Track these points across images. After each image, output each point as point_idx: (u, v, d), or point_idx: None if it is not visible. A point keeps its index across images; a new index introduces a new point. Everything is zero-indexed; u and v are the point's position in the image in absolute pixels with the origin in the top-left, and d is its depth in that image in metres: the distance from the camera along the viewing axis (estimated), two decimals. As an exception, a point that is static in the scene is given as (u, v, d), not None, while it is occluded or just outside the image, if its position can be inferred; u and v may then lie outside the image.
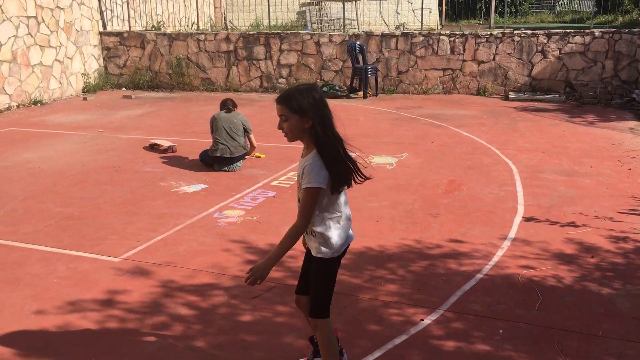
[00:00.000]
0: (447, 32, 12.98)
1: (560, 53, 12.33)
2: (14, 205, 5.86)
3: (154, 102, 12.44)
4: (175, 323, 3.64)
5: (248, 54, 13.61)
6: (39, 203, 5.92)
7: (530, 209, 5.63)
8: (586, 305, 3.83)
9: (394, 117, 10.37)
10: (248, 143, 7.26)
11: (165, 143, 8.14)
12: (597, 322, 3.62)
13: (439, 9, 23.55)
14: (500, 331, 3.52)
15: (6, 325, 3.62)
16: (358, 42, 12.73)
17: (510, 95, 12.18)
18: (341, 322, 3.62)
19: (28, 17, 11.96)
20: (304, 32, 13.74)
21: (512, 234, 5.02)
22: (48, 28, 12.50)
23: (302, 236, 2.88)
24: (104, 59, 14.28)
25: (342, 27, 17.00)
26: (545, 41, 12.35)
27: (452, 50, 12.73)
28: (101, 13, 14.29)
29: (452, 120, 10.03)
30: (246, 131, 7.19)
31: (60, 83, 12.93)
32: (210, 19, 20.24)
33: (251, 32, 13.76)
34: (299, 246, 4.78)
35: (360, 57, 12.66)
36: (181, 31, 14.86)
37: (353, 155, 2.90)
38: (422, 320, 3.65)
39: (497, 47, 12.55)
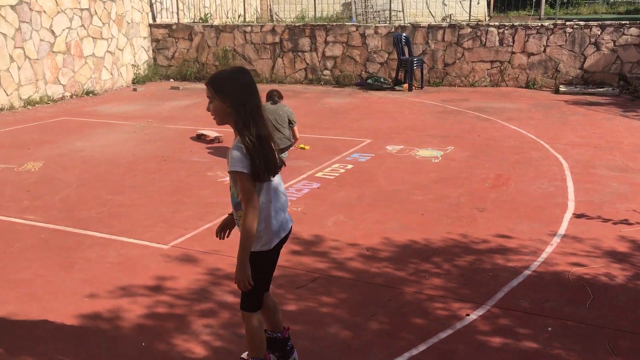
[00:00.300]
0: (496, 23, 12.73)
1: (614, 45, 11.93)
2: (68, 192, 6.06)
3: (200, 93, 12.62)
4: (221, 310, 3.70)
5: (293, 45, 13.65)
6: (92, 190, 6.10)
7: (581, 205, 5.48)
8: None
9: (440, 110, 10.24)
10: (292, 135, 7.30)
11: (211, 133, 8.26)
12: (650, 322, 3.51)
13: (487, 0, 23.07)
14: (549, 329, 3.45)
15: (61, 307, 3.75)
16: (404, 34, 12.61)
17: (560, 88, 11.87)
18: (385, 315, 3.62)
19: (81, 10, 12.29)
20: (350, 23, 13.69)
21: (562, 230, 4.91)
22: (100, 20, 12.82)
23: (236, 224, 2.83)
24: (153, 50, 14.56)
25: (388, 18, 16.86)
26: (599, 33, 11.96)
27: (501, 42, 12.47)
28: (151, 5, 14.56)
29: (500, 113, 9.84)
30: (291, 123, 7.23)
31: (112, 74, 13.26)
32: (257, 11, 20.37)
33: (297, 24, 13.79)
34: (343, 238, 4.81)
35: (406, 49, 12.54)
36: (228, 23, 15.03)
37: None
38: (468, 315, 3.61)
39: (548, 39, 12.23)
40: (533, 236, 4.79)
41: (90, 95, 12.41)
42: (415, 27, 12.99)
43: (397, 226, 5.05)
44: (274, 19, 18.98)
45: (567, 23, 12.24)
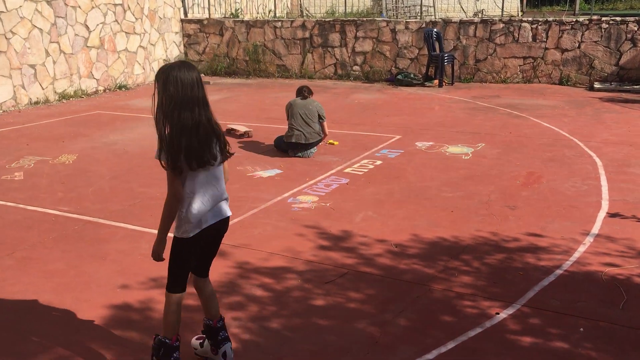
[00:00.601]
0: (529, 18, 12.52)
1: (652, 41, 11.63)
2: (101, 184, 6.17)
3: (230, 88, 12.72)
4: (250, 303, 3.73)
5: (323, 41, 13.64)
6: (124, 183, 6.21)
7: (616, 204, 5.37)
8: (675, 307, 3.63)
9: (471, 107, 10.13)
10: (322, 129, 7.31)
11: (241, 128, 8.32)
12: (687, 325, 3.43)
13: (520, -5, 22.71)
14: (581, 329, 3.40)
15: (93, 297, 3.83)
16: (435, 29, 12.49)
17: (595, 85, 11.63)
18: (413, 312, 3.61)
19: (115, 5, 12.48)
20: (380, 19, 13.62)
21: (596, 229, 4.82)
22: (133, 15, 13.00)
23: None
24: (184, 45, 14.71)
25: (419, 14, 16.72)
26: (636, 29, 11.67)
27: (534, 38, 12.26)
28: (183, 1, 14.70)
29: (532, 110, 9.69)
30: (320, 118, 7.24)
31: (144, 69, 13.44)
32: (287, 6, 20.40)
33: (327, 19, 13.77)
34: (372, 234, 4.80)
35: (436, 45, 12.42)
36: (258, 18, 15.09)
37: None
38: (498, 314, 3.57)
39: (582, 35, 11.99)
40: (565, 235, 4.71)
41: (123, 89, 12.61)
42: (446, 22, 12.86)
43: (426, 223, 5.02)
44: (304, 14, 18.99)
45: (603, 19, 11.98)
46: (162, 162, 2.75)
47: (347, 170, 6.60)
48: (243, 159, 7.08)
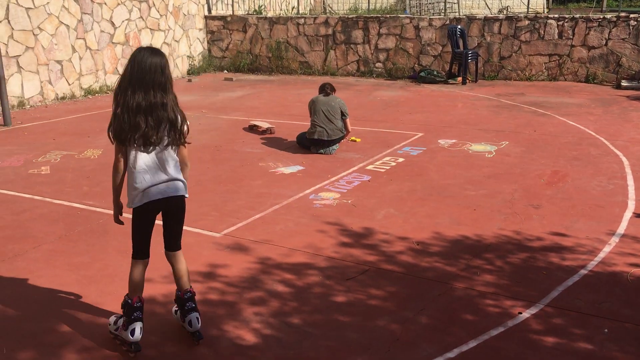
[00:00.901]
0: (555, 15, 12.35)
1: (682, 38, 11.39)
2: (126, 179, 6.24)
3: (253, 84, 12.77)
4: (271, 299, 3.75)
5: (346, 37, 13.62)
6: (147, 178, 6.26)
7: (642, 204, 5.29)
8: (703, 310, 3.56)
9: (494, 104, 10.03)
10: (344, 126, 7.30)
11: (264, 124, 8.35)
12: None
13: (546, -8, 22.39)
14: (605, 331, 3.35)
15: (117, 291, 3.88)
16: (459, 26, 12.39)
17: (622, 83, 11.43)
18: (434, 310, 3.59)
19: (140, 2, 12.61)
20: (404, 15, 13.55)
21: (622, 229, 4.74)
22: (158, 12, 13.12)
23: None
24: (208, 42, 14.81)
25: (443, 10, 16.59)
26: (666, 25, 11.44)
27: (560, 35, 12.09)
28: (206, -3, 14.80)
29: (557, 108, 9.56)
30: (343, 115, 7.23)
31: (167, 65, 13.55)
32: (310, 3, 20.39)
33: (350, 16, 13.74)
34: (393, 231, 4.78)
35: (460, 42, 12.32)
36: (281, 15, 15.11)
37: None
38: (520, 313, 3.54)
39: (610, 32, 11.79)
40: (590, 235, 4.65)
41: (147, 85, 12.73)
42: (470, 19, 12.75)
43: (448, 221, 4.99)
44: (327, 11, 18.97)
45: (631, 15, 11.75)
46: (109, 134, 3.08)
47: (369, 167, 6.58)
48: (265, 155, 7.11)
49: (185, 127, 3.19)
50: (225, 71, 14.65)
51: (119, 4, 12.05)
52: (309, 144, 7.18)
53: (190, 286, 3.35)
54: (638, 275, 3.98)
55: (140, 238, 3.24)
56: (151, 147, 3.06)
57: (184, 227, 5.00)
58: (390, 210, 5.25)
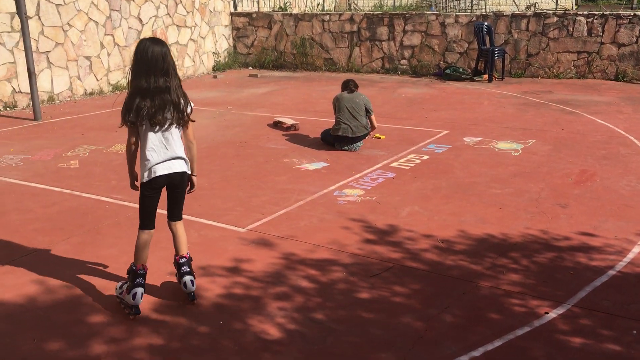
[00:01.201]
0: (585, 12, 12.15)
1: None
2: (151, 174, 6.32)
3: (278, 81, 12.81)
4: (295, 294, 3.77)
5: (371, 34, 13.58)
6: (174, 173, 6.33)
7: (673, 205, 5.18)
8: None
9: (521, 102, 9.92)
10: (369, 123, 7.29)
11: (288, 121, 8.37)
12: None
13: (575, -12, 22.03)
14: (634, 332, 3.30)
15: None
16: (485, 23, 12.26)
17: (653, 82, 11.21)
18: (459, 308, 3.57)
19: (167, -1, 12.72)
20: (429, 12, 13.46)
21: (651, 230, 4.66)
22: (185, 9, 13.23)
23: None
24: (233, 38, 14.89)
25: (469, 7, 16.44)
26: (700, 22, 11.18)
27: (590, 32, 11.90)
28: (232, -6, 14.88)
29: (586, 106, 9.42)
30: (368, 112, 7.22)
31: (194, 61, 13.68)
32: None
33: (375, 13, 13.69)
34: (418, 228, 4.77)
35: (487, 39, 12.20)
36: (307, 12, 15.12)
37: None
38: (547, 313, 3.50)
39: (641, 29, 11.55)
40: (619, 235, 4.57)
41: (173, 81, 12.85)
42: (497, 15, 12.61)
43: (473, 219, 4.95)
44: (352, 7, 18.93)
45: (664, 12, 11.52)
46: (122, 118, 3.38)
47: (394, 164, 6.56)
48: (290, 151, 7.13)
49: (189, 109, 3.51)
50: (250, 68, 14.72)
51: (146, 1, 12.18)
52: (334, 140, 7.18)
53: (187, 252, 3.72)
54: (668, 277, 3.91)
55: (147, 211, 3.57)
56: (157, 127, 3.39)
57: (211, 222, 5.10)
58: (415, 208, 5.23)
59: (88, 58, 11.12)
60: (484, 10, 16.70)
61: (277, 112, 9.35)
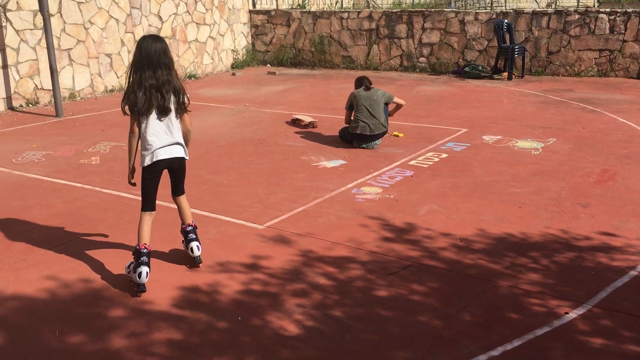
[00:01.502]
0: (607, 9, 11.98)
1: None
2: (171, 170, 6.37)
3: (296, 78, 12.83)
4: (313, 291, 3.78)
5: (389, 32, 13.53)
6: (193, 170, 6.36)
7: (697, 205, 5.10)
8: None
9: (541, 100, 9.82)
10: (387, 119, 7.28)
11: (306, 118, 8.38)
12: None
13: (597, -15, 21.73)
14: (656, 334, 3.26)
15: (164, 278, 3.98)
16: (505, 20, 12.15)
17: (677, 80, 11.02)
18: (478, 307, 3.56)
19: (186, -4, 12.79)
20: (449, 9, 13.37)
21: (674, 231, 4.59)
22: (204, 6, 13.29)
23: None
24: (252, 36, 14.93)
25: (489, 4, 16.30)
26: None
27: (612, 30, 11.73)
28: (251, -8, 14.91)
29: (608, 105, 9.29)
30: (387, 104, 7.25)
31: (212, 59, 13.74)
32: (353, -3, 20.32)
33: (394, 10, 13.64)
34: (436, 227, 4.75)
35: (507, 36, 12.09)
36: (325, 9, 15.11)
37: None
38: (567, 313, 3.47)
39: (665, 26, 11.36)
40: (641, 236, 4.52)
41: (192, 78, 12.93)
42: (518, 13, 12.49)
43: (492, 218, 4.92)
44: (371, 5, 18.88)
45: (689, 9, 11.32)
46: (122, 107, 3.74)
47: (412, 162, 6.54)
48: (308, 148, 7.14)
49: (186, 99, 3.84)
50: (269, 65, 14.75)
51: (166, -1, 12.26)
52: (352, 138, 7.18)
53: (192, 221, 4.14)
54: (692, 278, 3.85)
55: (148, 193, 3.88)
56: (159, 115, 3.73)
57: (229, 219, 5.13)
58: (433, 206, 5.21)
59: (109, 55, 11.22)
60: (504, 8, 16.53)
61: (295, 109, 9.36)
